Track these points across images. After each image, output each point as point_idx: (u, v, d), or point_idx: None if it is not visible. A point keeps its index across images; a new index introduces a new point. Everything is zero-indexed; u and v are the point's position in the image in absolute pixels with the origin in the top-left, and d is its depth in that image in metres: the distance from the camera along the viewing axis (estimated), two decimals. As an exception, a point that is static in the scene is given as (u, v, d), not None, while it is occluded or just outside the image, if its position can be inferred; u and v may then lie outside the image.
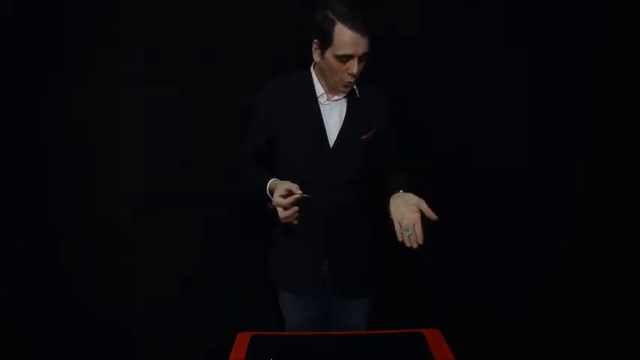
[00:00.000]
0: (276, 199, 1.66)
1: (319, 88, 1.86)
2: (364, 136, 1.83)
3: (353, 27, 1.67)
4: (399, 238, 1.63)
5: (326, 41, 1.72)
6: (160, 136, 2.27)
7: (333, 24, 1.69)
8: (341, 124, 1.85)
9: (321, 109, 1.85)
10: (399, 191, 1.72)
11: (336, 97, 1.86)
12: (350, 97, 1.87)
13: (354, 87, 1.85)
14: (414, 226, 1.62)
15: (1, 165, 2.24)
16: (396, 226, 1.64)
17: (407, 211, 1.64)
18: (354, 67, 1.72)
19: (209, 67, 2.24)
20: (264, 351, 1.57)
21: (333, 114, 1.86)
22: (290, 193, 1.65)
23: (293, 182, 1.70)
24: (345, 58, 1.71)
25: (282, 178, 1.74)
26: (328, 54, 1.73)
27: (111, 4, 2.20)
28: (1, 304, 2.29)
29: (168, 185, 2.29)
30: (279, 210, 1.67)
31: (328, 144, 1.84)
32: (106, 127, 2.27)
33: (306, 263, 1.90)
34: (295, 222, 1.69)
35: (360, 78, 1.87)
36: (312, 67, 1.88)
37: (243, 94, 2.02)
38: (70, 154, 2.26)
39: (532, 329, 2.38)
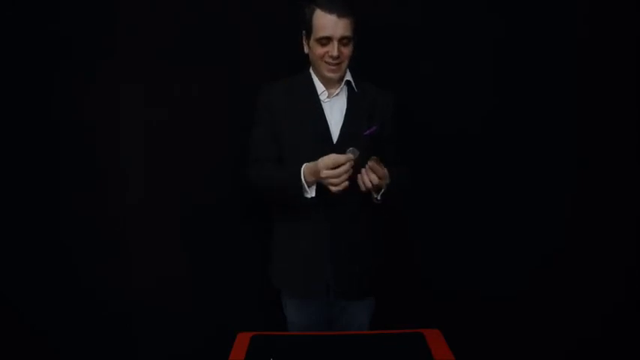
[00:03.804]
0: (326, 173, 1.67)
1: (319, 86, 1.90)
2: (366, 132, 1.84)
3: (329, 9, 1.78)
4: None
5: (309, 30, 1.83)
6: (160, 135, 2.28)
7: (313, 11, 1.82)
8: (342, 119, 1.87)
9: (322, 106, 1.89)
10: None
11: (335, 93, 1.89)
12: (349, 94, 1.91)
13: (352, 82, 1.90)
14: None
15: (2, 164, 2.24)
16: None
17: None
18: (333, 49, 1.80)
19: (210, 67, 2.24)
20: (264, 351, 1.57)
21: (335, 110, 1.89)
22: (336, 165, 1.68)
23: None
24: (324, 41, 1.80)
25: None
26: (312, 42, 1.83)
27: (112, 3, 2.20)
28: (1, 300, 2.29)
29: (168, 184, 2.29)
30: (331, 182, 1.67)
31: (332, 140, 1.85)
32: (106, 127, 2.27)
33: (308, 265, 1.89)
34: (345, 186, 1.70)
35: (361, 77, 1.92)
36: (310, 68, 1.93)
37: (244, 93, 2.03)
38: (70, 154, 2.27)
39: (533, 329, 2.38)
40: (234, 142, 2.10)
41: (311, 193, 1.76)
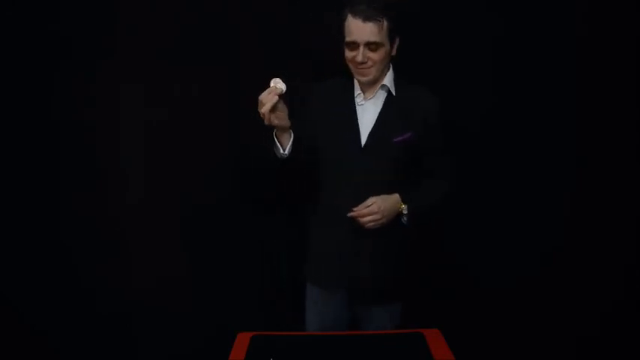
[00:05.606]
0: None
1: (357, 89, 1.88)
2: (397, 139, 1.82)
3: (354, 13, 1.74)
4: None
5: (343, 34, 1.79)
6: (160, 135, 2.28)
7: (346, 17, 1.78)
8: (373, 123, 1.86)
9: (356, 108, 1.87)
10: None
11: (371, 96, 1.87)
12: (387, 98, 1.88)
13: (388, 85, 1.86)
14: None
15: (2, 164, 2.25)
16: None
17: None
18: (358, 54, 1.75)
19: (210, 67, 2.24)
20: (264, 351, 1.57)
21: (369, 113, 1.87)
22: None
23: (325, 180, 1.84)
24: (352, 45, 1.77)
25: (315, 176, 1.83)
26: (345, 46, 1.80)
27: (112, 3, 2.20)
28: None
29: (168, 184, 2.29)
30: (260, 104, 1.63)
31: (360, 142, 1.84)
32: (106, 127, 2.27)
33: (332, 265, 1.90)
34: (277, 122, 1.65)
35: (403, 78, 1.90)
36: None
37: (244, 93, 2.02)
38: (70, 154, 2.27)
39: (532, 328, 2.38)
40: (234, 142, 2.11)
41: (282, 149, 1.72)
